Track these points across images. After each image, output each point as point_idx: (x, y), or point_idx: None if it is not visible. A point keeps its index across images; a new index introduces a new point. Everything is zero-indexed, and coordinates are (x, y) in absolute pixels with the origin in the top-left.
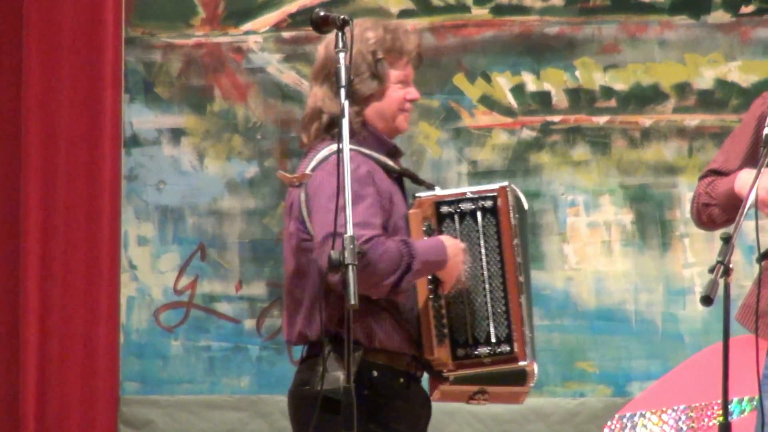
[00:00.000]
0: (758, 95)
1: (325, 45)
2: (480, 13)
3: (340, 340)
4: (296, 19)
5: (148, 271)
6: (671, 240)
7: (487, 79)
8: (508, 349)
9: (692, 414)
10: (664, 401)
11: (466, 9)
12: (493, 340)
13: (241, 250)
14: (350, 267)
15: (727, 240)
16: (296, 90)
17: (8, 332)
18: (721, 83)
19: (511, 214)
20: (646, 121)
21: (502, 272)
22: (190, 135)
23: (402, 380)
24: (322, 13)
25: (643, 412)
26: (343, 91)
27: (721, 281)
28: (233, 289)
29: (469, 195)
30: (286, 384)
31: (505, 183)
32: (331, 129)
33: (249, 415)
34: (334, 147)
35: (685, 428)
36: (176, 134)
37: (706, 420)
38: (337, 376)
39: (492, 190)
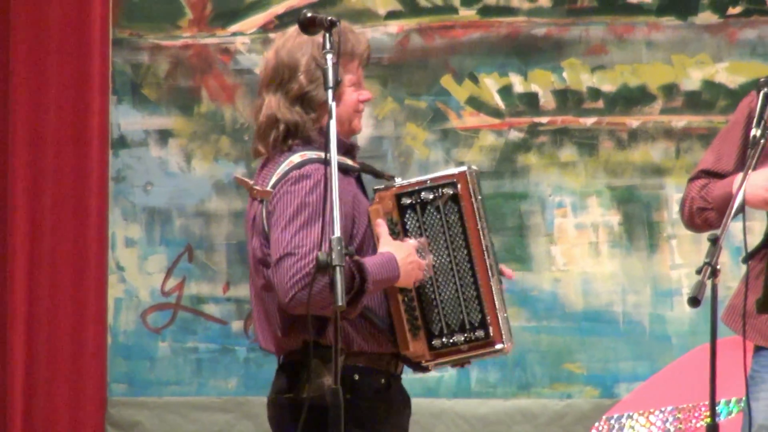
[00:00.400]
0: (746, 96)
1: (275, 51)
2: (467, 14)
3: (321, 346)
4: (284, 21)
5: (136, 272)
6: (659, 241)
7: (475, 80)
8: (483, 333)
9: (680, 415)
10: (652, 402)
11: (453, 10)
12: (468, 326)
13: (229, 251)
14: (338, 268)
15: (714, 241)
16: None
17: None
18: (709, 84)
19: (473, 198)
20: (633, 122)
21: (469, 258)
22: (177, 136)
23: (383, 380)
24: (309, 15)
25: (631, 414)
26: (330, 93)
27: (709, 282)
28: (221, 290)
29: (429, 183)
30: None
31: (464, 167)
32: (288, 138)
33: (236, 417)
34: (294, 159)
35: (672, 429)
36: (164, 135)
37: (693, 421)
38: (321, 382)
39: (451, 176)
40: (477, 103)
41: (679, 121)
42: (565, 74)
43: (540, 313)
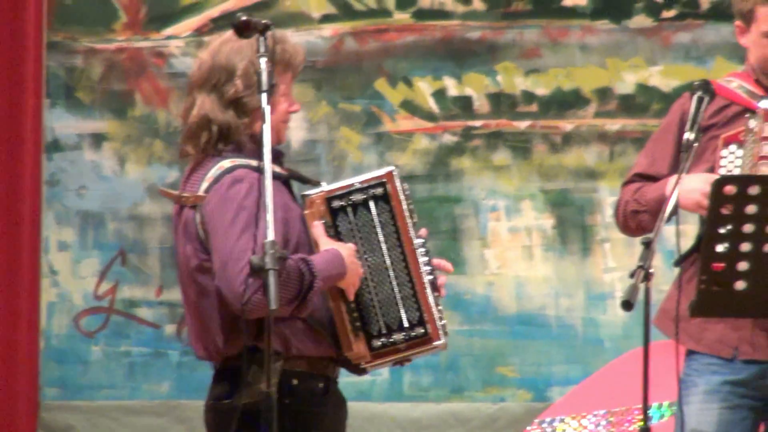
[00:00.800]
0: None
1: (211, 52)
2: (402, 17)
3: (260, 351)
4: (218, 24)
5: (69, 276)
6: (592, 245)
7: (409, 83)
8: (423, 331)
9: (612, 419)
10: (584, 406)
11: (387, 14)
12: (406, 324)
13: (162, 255)
14: (271, 272)
15: (647, 245)
16: None
17: None
18: (643, 88)
19: (402, 196)
20: (567, 125)
21: (403, 257)
22: (111, 140)
23: (321, 385)
24: (243, 18)
25: (563, 417)
26: (264, 96)
27: (642, 286)
28: (153, 294)
29: (358, 185)
30: (206, 389)
31: (391, 167)
32: (220, 141)
33: (169, 421)
34: (224, 164)
35: None
36: (97, 139)
37: (626, 425)
38: (259, 387)
39: (380, 177)
40: (411, 107)
41: (613, 125)
42: (499, 78)
43: (473, 316)
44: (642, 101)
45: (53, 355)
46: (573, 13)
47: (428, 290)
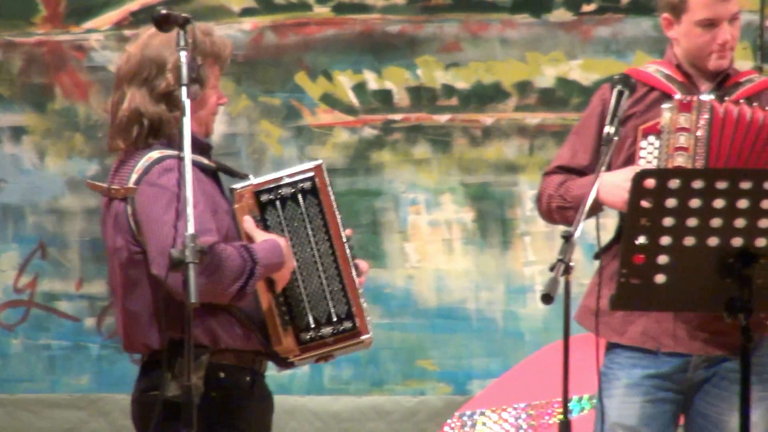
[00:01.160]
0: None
1: (140, 46)
2: (322, 11)
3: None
4: (138, 18)
5: None
6: (512, 238)
7: (329, 77)
8: (351, 325)
9: (532, 412)
10: (505, 399)
11: (307, 7)
12: (335, 318)
13: (82, 248)
14: (191, 265)
15: (567, 238)
16: None
17: None
18: (563, 81)
19: (330, 191)
20: (487, 119)
21: (332, 250)
22: (30, 133)
23: (248, 378)
24: (163, 12)
25: (483, 410)
26: (184, 90)
27: (562, 279)
28: (73, 287)
29: (286, 179)
30: (126, 382)
31: (319, 160)
32: (151, 135)
33: (89, 414)
34: (153, 155)
35: (525, 426)
36: (17, 132)
37: (546, 418)
38: (184, 380)
39: (308, 170)
40: (331, 100)
41: (533, 119)
42: (419, 71)
43: (393, 310)
44: (562, 95)
45: None
46: (493, 7)
47: (357, 284)
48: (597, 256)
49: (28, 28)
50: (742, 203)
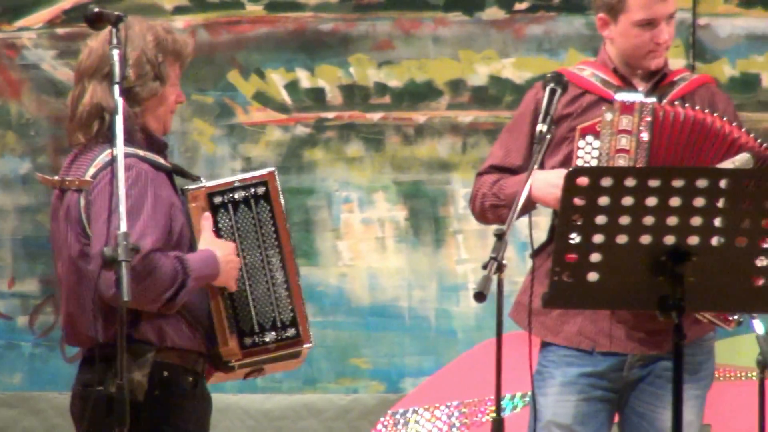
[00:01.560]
0: (530, 89)
1: (102, 41)
2: (254, 9)
3: (133, 341)
4: (70, 16)
5: None
6: (445, 236)
7: (262, 75)
8: (294, 332)
9: (465, 410)
10: (437, 397)
11: (240, 5)
12: (279, 325)
13: (14, 246)
14: (123, 263)
15: (500, 236)
16: (70, 86)
17: None
18: (495, 80)
19: (281, 198)
20: (420, 117)
21: (280, 257)
22: None
23: (191, 379)
24: (96, 10)
25: (416, 408)
26: (117, 88)
27: (495, 277)
28: (6, 285)
29: (238, 183)
30: (58, 381)
31: (272, 168)
32: (112, 129)
33: (21, 412)
34: (122, 147)
35: (458, 424)
36: None
37: (479, 416)
38: (129, 377)
39: (261, 176)
40: (264, 99)
41: (466, 117)
42: (351, 69)
43: (326, 308)
44: (495, 93)
45: None
46: (426, 5)
47: (301, 292)
48: (534, 255)
49: None
50: (675, 201)
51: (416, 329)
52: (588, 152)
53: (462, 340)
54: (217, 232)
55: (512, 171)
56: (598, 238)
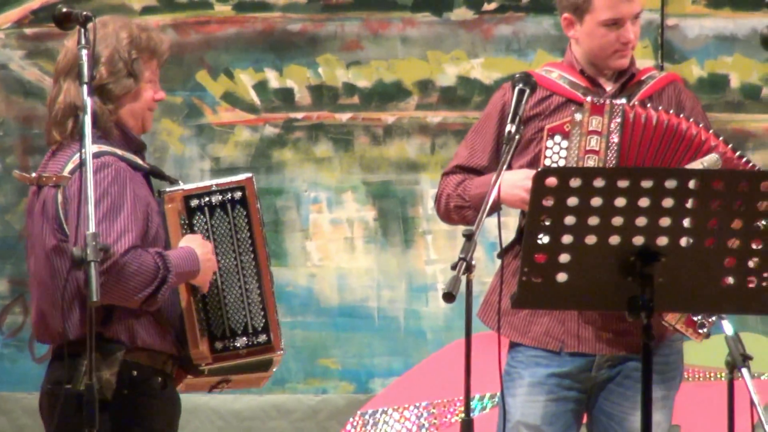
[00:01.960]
0: (498, 90)
1: (77, 41)
2: (223, 9)
3: (103, 339)
4: (39, 16)
5: None
6: (414, 237)
7: (230, 75)
8: (266, 338)
9: (434, 410)
10: (406, 398)
11: (208, 5)
12: (251, 330)
13: None
14: (92, 264)
15: (469, 237)
16: (39, 86)
17: None
18: (464, 80)
19: (258, 204)
20: (388, 118)
21: (255, 263)
22: None
23: (160, 379)
24: (64, 10)
25: (386, 409)
26: (85, 88)
27: (463, 278)
28: None
29: (215, 187)
30: (27, 381)
31: (250, 174)
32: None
33: None
34: (92, 149)
35: (427, 425)
36: None
37: (448, 416)
38: (99, 375)
39: (239, 182)
40: (232, 99)
41: (435, 117)
42: (320, 70)
43: (295, 308)
44: (463, 94)
45: None
46: (394, 5)
47: (274, 299)
48: (501, 255)
49: None
50: (644, 202)
51: (385, 330)
52: (556, 152)
53: (431, 341)
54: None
55: (477, 171)
56: (567, 239)
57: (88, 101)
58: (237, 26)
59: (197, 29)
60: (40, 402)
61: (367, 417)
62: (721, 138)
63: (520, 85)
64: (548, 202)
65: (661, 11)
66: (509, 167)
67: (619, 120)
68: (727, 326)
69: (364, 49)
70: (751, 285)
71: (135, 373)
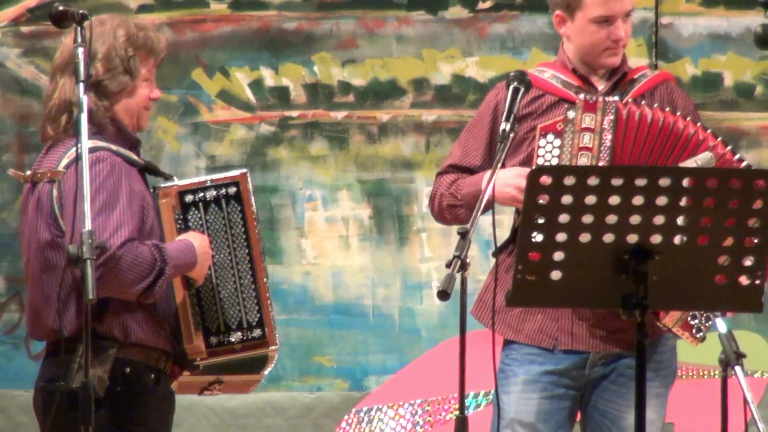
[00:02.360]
0: (491, 90)
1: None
2: (218, 8)
3: (97, 335)
4: (35, 14)
5: None
6: (408, 235)
7: (226, 74)
8: (260, 333)
9: (429, 408)
10: (401, 395)
11: (204, 4)
12: (245, 325)
13: None
14: (88, 262)
15: (464, 235)
16: (35, 85)
17: None
18: (459, 78)
19: (252, 200)
20: (383, 116)
21: (249, 258)
22: None
23: (153, 376)
24: (61, 8)
25: (380, 407)
26: (81, 86)
27: (458, 276)
28: None
29: (210, 183)
30: (23, 379)
31: (244, 169)
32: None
33: None
34: (86, 144)
35: (421, 422)
36: None
37: (443, 414)
38: (91, 372)
39: (233, 177)
40: (228, 97)
41: (430, 115)
42: (315, 68)
43: (290, 306)
44: (458, 92)
45: None
46: (389, 3)
47: (269, 294)
48: (496, 254)
49: None
50: (637, 200)
51: (380, 327)
52: (549, 151)
53: (426, 338)
54: (187, 230)
55: (470, 171)
56: (561, 237)
57: (85, 99)
58: (233, 24)
59: (193, 27)
60: (34, 399)
61: (362, 414)
62: (719, 138)
63: (515, 84)
64: (542, 200)
65: (655, 10)
66: (503, 166)
67: (612, 117)
68: (721, 324)
69: (359, 48)
70: (744, 283)
71: (128, 369)
